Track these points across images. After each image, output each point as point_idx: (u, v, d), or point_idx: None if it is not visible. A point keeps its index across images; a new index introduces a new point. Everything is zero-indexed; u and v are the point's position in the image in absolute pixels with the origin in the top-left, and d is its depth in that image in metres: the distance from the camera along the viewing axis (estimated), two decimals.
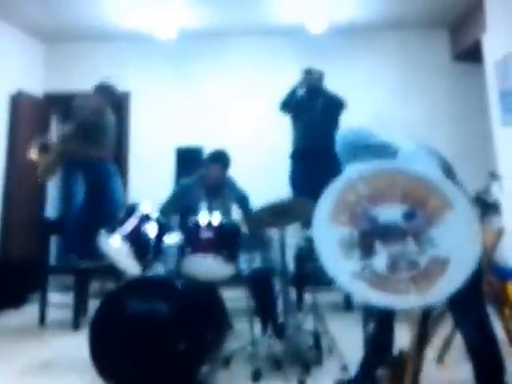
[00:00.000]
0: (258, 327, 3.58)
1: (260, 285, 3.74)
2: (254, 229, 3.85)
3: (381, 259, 2.06)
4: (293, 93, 5.63)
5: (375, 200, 2.06)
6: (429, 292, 2.02)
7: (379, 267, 2.05)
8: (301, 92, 5.64)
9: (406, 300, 2.07)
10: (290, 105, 5.64)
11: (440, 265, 1.99)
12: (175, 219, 4.10)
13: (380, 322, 2.89)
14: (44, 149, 4.71)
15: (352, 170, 2.21)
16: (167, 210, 3.99)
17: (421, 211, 2.02)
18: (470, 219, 2.00)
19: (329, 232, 2.11)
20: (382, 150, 2.72)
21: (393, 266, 2.04)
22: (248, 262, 3.75)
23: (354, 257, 2.08)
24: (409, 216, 2.03)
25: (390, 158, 2.68)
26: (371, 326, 2.92)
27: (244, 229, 3.71)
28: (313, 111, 5.54)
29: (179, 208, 4.11)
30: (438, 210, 1.99)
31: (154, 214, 3.48)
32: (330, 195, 2.12)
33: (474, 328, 2.63)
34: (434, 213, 2.00)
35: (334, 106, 5.54)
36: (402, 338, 2.76)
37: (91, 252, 3.83)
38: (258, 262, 3.84)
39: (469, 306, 2.60)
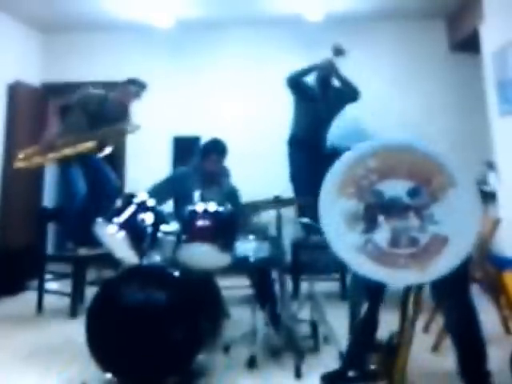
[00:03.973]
0: (256, 315, 3.59)
1: (259, 273, 3.76)
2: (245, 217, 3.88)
3: (383, 234, 2.09)
4: (306, 71, 5.50)
5: (383, 175, 2.09)
6: (427, 269, 2.05)
7: (381, 242, 2.08)
8: (312, 78, 5.56)
9: (405, 276, 2.10)
10: (299, 84, 5.54)
11: (439, 243, 2.03)
12: (171, 208, 4.09)
13: (368, 307, 2.90)
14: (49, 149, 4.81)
15: (363, 145, 2.23)
16: (157, 192, 3.90)
17: (425, 188, 2.05)
18: (471, 199, 2.03)
19: (335, 204, 2.13)
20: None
21: (394, 241, 2.08)
22: (248, 249, 3.76)
23: (357, 230, 2.10)
24: (414, 192, 2.06)
25: None
26: (360, 310, 2.94)
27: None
28: (321, 102, 5.45)
29: (171, 194, 4.08)
30: (441, 187, 2.03)
31: (151, 203, 3.48)
32: (340, 167, 2.14)
33: (459, 312, 2.66)
34: (437, 190, 2.03)
35: (346, 96, 5.53)
36: (387, 323, 2.79)
37: (92, 239, 3.83)
38: (256, 250, 3.84)
39: (455, 290, 2.62)
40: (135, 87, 5.00)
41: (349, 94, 5.54)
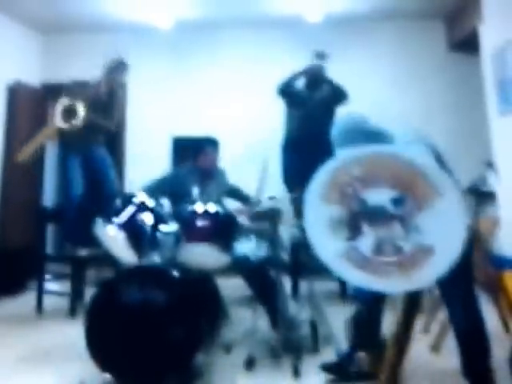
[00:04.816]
0: (256, 315, 3.59)
1: (258, 273, 3.76)
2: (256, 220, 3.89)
3: (367, 241, 2.08)
4: (294, 78, 5.63)
5: (367, 183, 2.08)
6: (413, 277, 2.04)
7: (365, 249, 2.08)
8: (301, 82, 5.64)
9: (389, 283, 2.10)
10: (289, 91, 5.64)
11: (424, 252, 2.01)
12: (169, 208, 4.08)
13: (368, 307, 2.90)
14: (69, 113, 4.81)
15: (348, 152, 2.22)
16: (153, 190, 3.89)
17: (410, 197, 2.03)
18: (458, 208, 2.00)
19: (319, 209, 2.13)
20: (378, 137, 2.70)
21: (378, 249, 2.07)
22: (247, 249, 3.76)
23: (341, 236, 2.10)
24: (398, 201, 2.05)
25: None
26: (356, 310, 2.95)
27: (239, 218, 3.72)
28: (311, 103, 5.53)
29: (168, 193, 4.07)
30: (427, 196, 2.00)
31: (150, 203, 3.48)
32: (324, 173, 2.14)
33: (463, 310, 2.64)
34: (422, 200, 2.01)
35: (335, 98, 5.55)
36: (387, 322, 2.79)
37: (90, 240, 3.84)
38: (255, 251, 3.84)
39: (458, 288, 2.59)
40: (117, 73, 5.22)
41: (337, 95, 5.60)
